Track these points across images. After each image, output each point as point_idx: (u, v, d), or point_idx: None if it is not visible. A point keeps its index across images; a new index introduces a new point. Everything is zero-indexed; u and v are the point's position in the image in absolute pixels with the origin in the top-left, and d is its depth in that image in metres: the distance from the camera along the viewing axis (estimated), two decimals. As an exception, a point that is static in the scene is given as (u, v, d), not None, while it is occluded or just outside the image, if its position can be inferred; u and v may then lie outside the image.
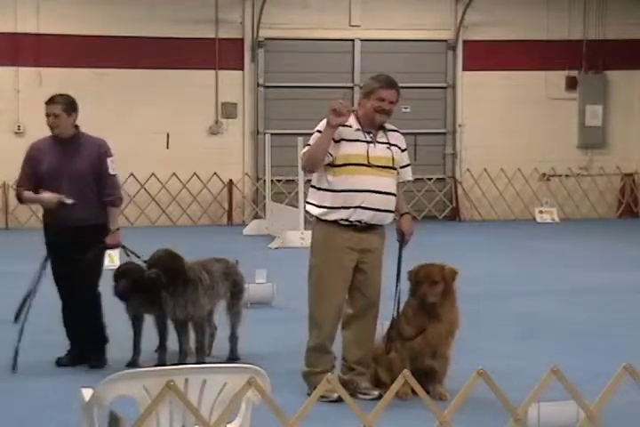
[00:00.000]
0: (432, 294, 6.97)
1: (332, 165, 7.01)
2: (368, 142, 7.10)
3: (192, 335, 7.99)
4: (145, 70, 20.04)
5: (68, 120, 7.99)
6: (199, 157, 20.20)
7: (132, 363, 7.94)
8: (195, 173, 20.31)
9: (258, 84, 20.81)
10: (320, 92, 20.61)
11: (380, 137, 7.19)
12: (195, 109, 20.28)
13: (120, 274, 7.99)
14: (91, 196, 7.98)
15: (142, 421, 4.24)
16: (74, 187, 7.92)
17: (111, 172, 8.02)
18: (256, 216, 20.03)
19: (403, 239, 7.23)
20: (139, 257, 8.08)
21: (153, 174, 20.08)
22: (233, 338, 8.31)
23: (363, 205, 7.00)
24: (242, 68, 20.68)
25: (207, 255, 8.44)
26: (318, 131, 7.04)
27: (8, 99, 19.53)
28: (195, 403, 4.31)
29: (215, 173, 20.44)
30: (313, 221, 7.27)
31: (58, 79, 19.32)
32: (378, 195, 7.03)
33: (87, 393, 4.57)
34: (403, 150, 7.28)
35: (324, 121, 7.00)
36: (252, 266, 11.40)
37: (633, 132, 21.81)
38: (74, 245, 7.89)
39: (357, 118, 7.15)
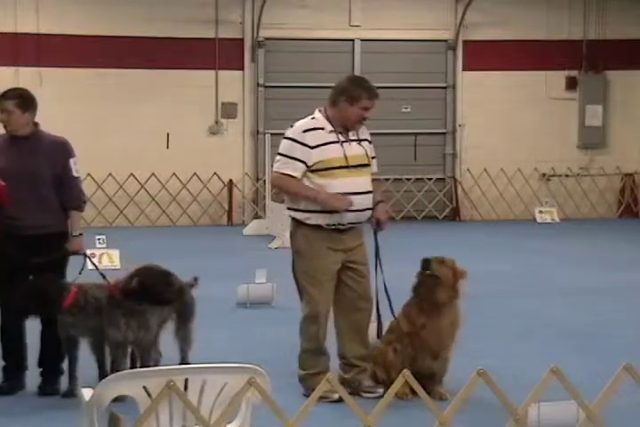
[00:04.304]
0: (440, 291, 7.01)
1: (311, 170, 7.03)
2: (342, 142, 7.10)
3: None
4: (145, 70, 20.04)
5: (22, 117, 7.16)
6: (199, 156, 20.20)
7: (69, 393, 7.13)
8: (195, 173, 20.31)
9: (258, 84, 20.81)
10: (320, 92, 20.41)
11: (352, 135, 7.19)
12: (195, 109, 20.28)
13: (29, 286, 6.99)
14: (52, 200, 7.19)
15: (142, 421, 4.24)
16: (33, 190, 7.12)
17: (74, 174, 7.25)
18: (256, 216, 20.03)
19: (378, 227, 7.26)
20: (103, 275, 7.24)
21: (153, 174, 20.07)
22: (183, 364, 7.30)
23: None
24: (242, 68, 20.68)
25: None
26: (292, 158, 6.97)
27: (8, 99, 19.48)
28: (195, 403, 4.31)
29: (215, 173, 20.44)
30: (292, 225, 7.26)
31: (58, 79, 19.34)
32: (359, 196, 7.09)
33: (87, 393, 4.57)
34: (370, 142, 7.33)
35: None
36: (252, 266, 11.41)
37: (633, 133, 21.80)
38: (31, 258, 7.05)
39: (328, 119, 7.11)
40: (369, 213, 7.20)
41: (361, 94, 7.03)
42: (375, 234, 7.31)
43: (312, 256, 7.09)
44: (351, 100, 7.02)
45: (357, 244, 7.22)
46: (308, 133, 7.02)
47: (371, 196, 7.19)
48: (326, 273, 7.09)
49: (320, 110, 7.18)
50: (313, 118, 7.15)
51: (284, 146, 7.06)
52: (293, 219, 7.23)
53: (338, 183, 7.01)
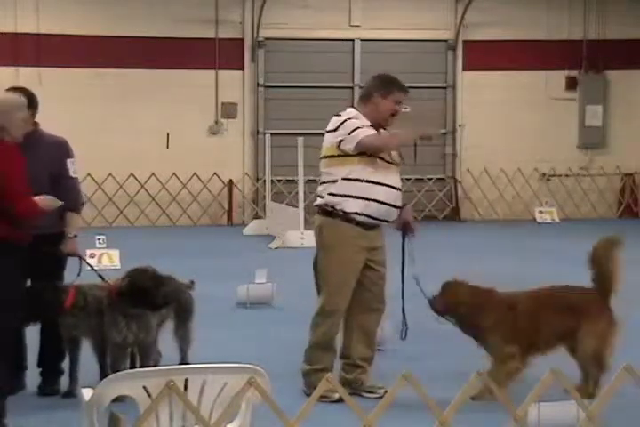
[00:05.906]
0: None
1: (351, 155, 6.99)
2: None
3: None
4: (145, 70, 20.06)
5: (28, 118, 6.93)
6: (199, 156, 20.21)
7: (69, 393, 7.15)
8: (195, 173, 20.32)
9: (258, 84, 20.82)
10: (320, 92, 20.62)
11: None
12: (195, 109, 20.29)
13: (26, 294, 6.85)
14: None
15: (142, 421, 4.24)
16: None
17: (72, 174, 7.17)
18: (256, 216, 20.04)
19: (407, 230, 7.28)
20: (100, 276, 7.18)
21: (153, 174, 20.08)
22: (183, 364, 7.27)
23: (379, 199, 7.02)
24: (242, 68, 20.70)
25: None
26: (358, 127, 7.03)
27: (8, 99, 19.47)
28: (195, 403, 4.31)
29: (215, 173, 20.45)
30: (319, 219, 7.18)
31: (58, 79, 19.35)
32: (394, 190, 7.10)
33: (87, 393, 4.57)
34: None
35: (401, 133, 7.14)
36: (252, 266, 11.40)
37: (633, 132, 21.80)
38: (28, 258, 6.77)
39: (363, 114, 7.15)
40: (397, 213, 7.19)
41: (393, 87, 7.17)
42: (404, 238, 7.32)
43: (340, 252, 7.04)
44: (384, 93, 7.13)
45: (381, 244, 7.22)
46: (361, 117, 7.10)
47: (401, 194, 7.22)
48: (352, 270, 7.06)
49: (352, 108, 7.27)
50: (350, 112, 7.20)
51: (350, 123, 7.00)
52: (322, 212, 7.14)
53: (380, 172, 7.02)
